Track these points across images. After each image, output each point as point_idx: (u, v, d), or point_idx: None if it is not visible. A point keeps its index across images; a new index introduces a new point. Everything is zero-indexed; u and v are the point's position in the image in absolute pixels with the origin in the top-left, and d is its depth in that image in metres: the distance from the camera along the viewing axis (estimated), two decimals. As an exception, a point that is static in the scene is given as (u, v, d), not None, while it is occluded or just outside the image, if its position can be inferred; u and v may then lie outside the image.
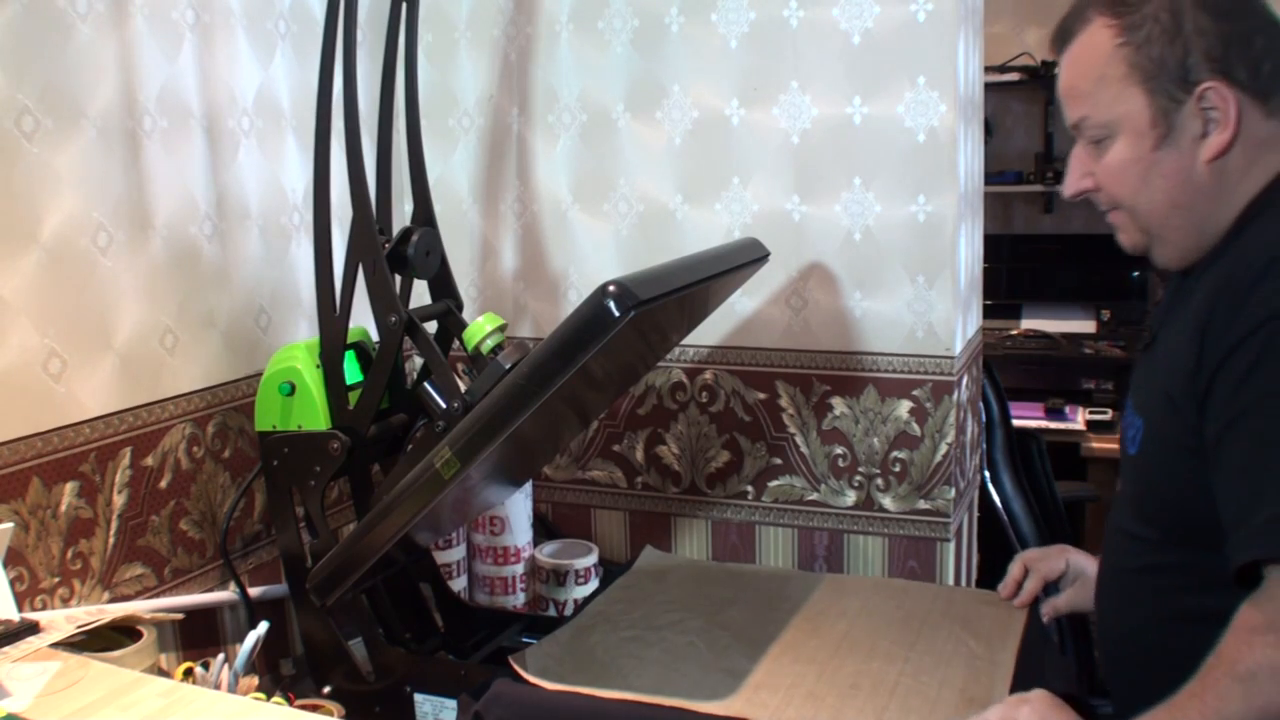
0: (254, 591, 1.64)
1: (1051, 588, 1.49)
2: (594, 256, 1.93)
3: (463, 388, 1.43)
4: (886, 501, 1.81)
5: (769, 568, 1.87)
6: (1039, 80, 3.77)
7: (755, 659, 1.36)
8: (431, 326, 1.56)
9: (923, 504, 1.79)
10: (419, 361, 1.68)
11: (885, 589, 1.59)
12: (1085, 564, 1.45)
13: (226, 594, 1.62)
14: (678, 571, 1.68)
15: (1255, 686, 0.99)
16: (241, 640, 1.40)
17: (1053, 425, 3.39)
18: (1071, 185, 1.17)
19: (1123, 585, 1.23)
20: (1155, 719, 1.05)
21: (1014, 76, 3.72)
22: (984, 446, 2.39)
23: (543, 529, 2.00)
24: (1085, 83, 1.12)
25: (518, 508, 1.87)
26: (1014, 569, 1.50)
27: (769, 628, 1.45)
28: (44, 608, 1.37)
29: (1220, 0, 1.08)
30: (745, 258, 1.54)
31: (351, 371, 1.51)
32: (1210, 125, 1.08)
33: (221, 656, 1.35)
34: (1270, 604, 1.00)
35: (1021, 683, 1.28)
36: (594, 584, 1.85)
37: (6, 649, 1.17)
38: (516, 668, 1.34)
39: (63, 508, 1.40)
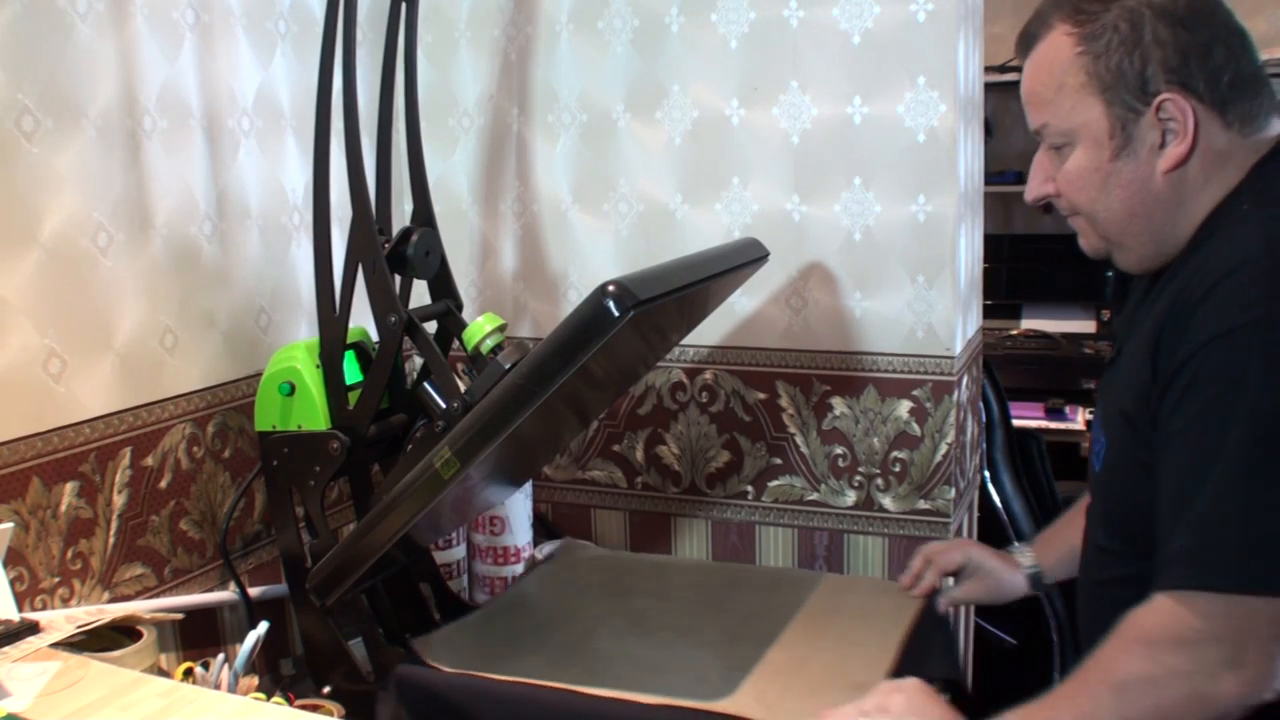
0: (254, 591, 1.64)
1: (952, 579, 1.54)
2: (594, 256, 1.93)
3: (462, 388, 1.43)
4: (886, 501, 1.81)
5: (685, 559, 1.89)
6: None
7: (651, 644, 1.41)
8: (431, 326, 1.56)
9: (923, 504, 1.79)
10: (419, 361, 1.68)
11: (795, 580, 1.63)
12: (984, 558, 1.50)
13: (226, 594, 1.62)
14: (593, 561, 1.72)
15: (1127, 696, 1.01)
16: (241, 640, 1.40)
17: (1053, 425, 3.39)
18: (1033, 190, 1.17)
19: (1094, 596, 1.25)
20: (1029, 715, 1.07)
21: (1014, 76, 3.74)
22: (984, 446, 2.39)
23: (543, 529, 2.00)
24: (1046, 90, 1.12)
25: (518, 508, 1.87)
26: (916, 562, 1.56)
27: (670, 615, 1.49)
28: (44, 608, 1.37)
29: (1180, 11, 1.07)
30: (745, 258, 1.54)
31: (351, 371, 1.51)
32: (1168, 136, 1.08)
33: (221, 656, 1.35)
34: (1153, 617, 1.02)
35: (903, 669, 1.32)
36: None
37: (6, 649, 1.17)
38: (419, 651, 1.37)
39: (63, 508, 1.40)
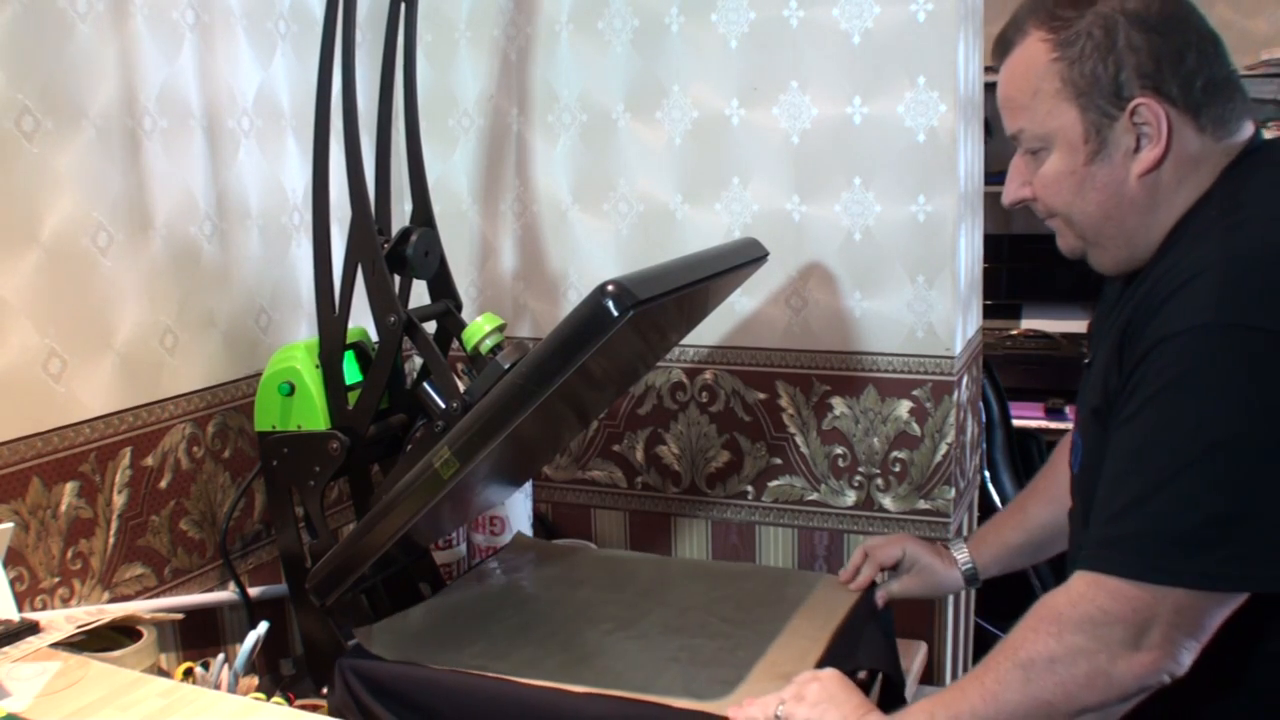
0: (254, 591, 1.64)
1: (890, 574, 1.57)
2: (594, 256, 1.93)
3: (462, 388, 1.43)
4: (886, 501, 1.81)
5: (629, 553, 1.88)
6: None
7: (590, 635, 1.42)
8: (431, 326, 1.56)
9: (923, 504, 1.79)
10: (419, 361, 1.68)
11: (741, 574, 1.64)
12: (921, 553, 1.53)
13: (226, 594, 1.62)
14: (541, 555, 1.73)
15: (1031, 674, 1.05)
16: (241, 640, 1.40)
17: (1053, 425, 3.39)
18: (1010, 194, 1.18)
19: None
20: (941, 699, 1.11)
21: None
22: (984, 446, 2.39)
23: (543, 529, 2.00)
24: (1022, 95, 1.12)
25: (518, 508, 1.87)
26: (855, 556, 1.59)
27: (612, 608, 1.51)
28: (44, 608, 1.37)
29: (1154, 16, 1.07)
30: (745, 258, 1.54)
31: (351, 371, 1.51)
32: (1142, 140, 1.08)
33: (221, 656, 1.35)
34: (1064, 597, 1.06)
35: (832, 659, 1.34)
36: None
37: (6, 649, 1.17)
38: (362, 641, 1.39)
39: (63, 508, 1.40)
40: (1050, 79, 1.09)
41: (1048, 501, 1.43)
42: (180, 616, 1.49)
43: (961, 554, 1.51)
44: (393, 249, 1.51)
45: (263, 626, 1.37)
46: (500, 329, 1.48)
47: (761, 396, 1.86)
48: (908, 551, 1.53)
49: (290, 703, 1.35)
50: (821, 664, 1.33)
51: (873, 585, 1.56)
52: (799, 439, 1.85)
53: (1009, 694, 1.06)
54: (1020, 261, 4.03)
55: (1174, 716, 1.10)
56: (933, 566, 1.51)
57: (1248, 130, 1.12)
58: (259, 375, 1.55)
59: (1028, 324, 4.02)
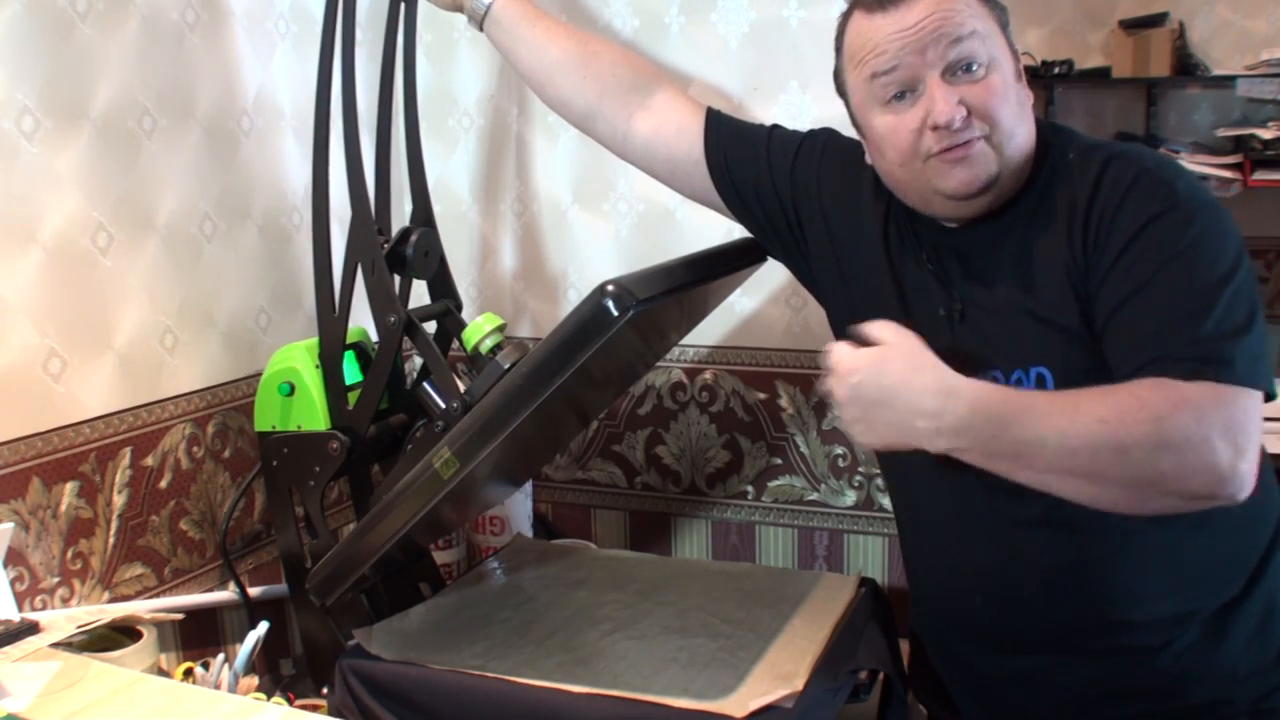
0: (254, 591, 1.64)
1: None
2: (594, 256, 1.93)
3: (462, 388, 1.43)
4: (886, 501, 1.81)
5: (629, 553, 1.89)
6: (1039, 80, 3.76)
7: (589, 636, 1.42)
8: (431, 326, 1.56)
9: (923, 504, 1.79)
10: (419, 361, 1.68)
11: (741, 574, 1.65)
12: None
13: (226, 594, 1.62)
14: (542, 555, 1.73)
15: (1165, 429, 1.04)
16: (241, 640, 1.41)
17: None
18: (951, 110, 1.17)
19: (1028, 537, 1.23)
20: (1055, 405, 1.07)
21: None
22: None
23: (543, 529, 2.00)
24: (977, 21, 1.19)
25: (518, 508, 1.87)
26: None
27: (612, 608, 1.50)
28: (44, 608, 1.38)
29: None
30: (745, 257, 1.54)
31: (351, 372, 1.51)
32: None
33: (221, 656, 1.35)
34: (1198, 392, 1.06)
35: (830, 659, 1.34)
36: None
37: (6, 649, 1.17)
38: (361, 642, 1.39)
39: (63, 508, 1.40)
40: (990, 13, 1.19)
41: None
42: (180, 616, 1.49)
43: None
44: (393, 249, 1.51)
45: (263, 626, 1.37)
46: (500, 329, 1.47)
47: (761, 396, 1.86)
48: None
49: (290, 703, 1.35)
50: (821, 664, 1.32)
51: (872, 585, 1.56)
52: (799, 439, 1.85)
53: (1136, 452, 1.04)
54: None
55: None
56: None
57: None
58: (259, 375, 1.55)
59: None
